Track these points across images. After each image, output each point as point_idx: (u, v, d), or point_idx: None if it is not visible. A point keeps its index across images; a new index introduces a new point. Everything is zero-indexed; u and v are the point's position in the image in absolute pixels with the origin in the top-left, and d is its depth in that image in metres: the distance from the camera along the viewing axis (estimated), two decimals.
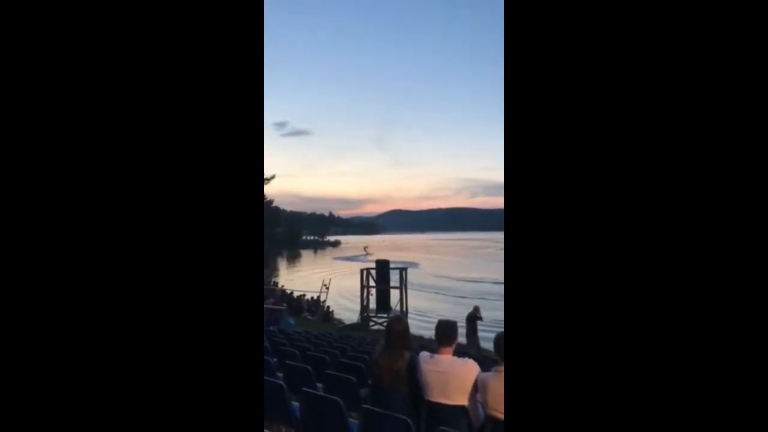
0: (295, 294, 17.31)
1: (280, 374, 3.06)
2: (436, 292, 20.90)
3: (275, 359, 3.59)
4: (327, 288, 16.94)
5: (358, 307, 14.00)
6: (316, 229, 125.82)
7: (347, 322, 14.00)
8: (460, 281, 26.52)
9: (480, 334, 8.30)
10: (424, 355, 2.15)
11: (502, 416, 1.85)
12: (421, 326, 10.05)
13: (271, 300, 12.44)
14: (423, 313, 14.24)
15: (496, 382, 1.89)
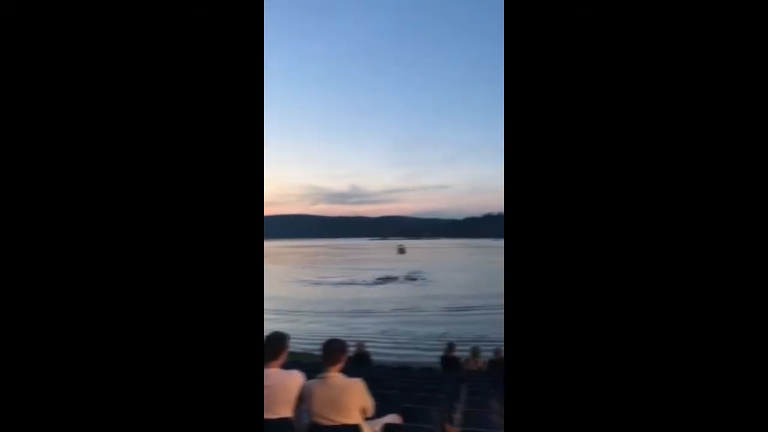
0: None
1: None
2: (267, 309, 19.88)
3: None
4: None
5: None
6: None
7: None
8: (305, 284, 26.43)
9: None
10: None
11: (326, 422, 1.92)
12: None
13: None
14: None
15: (321, 389, 1.94)
